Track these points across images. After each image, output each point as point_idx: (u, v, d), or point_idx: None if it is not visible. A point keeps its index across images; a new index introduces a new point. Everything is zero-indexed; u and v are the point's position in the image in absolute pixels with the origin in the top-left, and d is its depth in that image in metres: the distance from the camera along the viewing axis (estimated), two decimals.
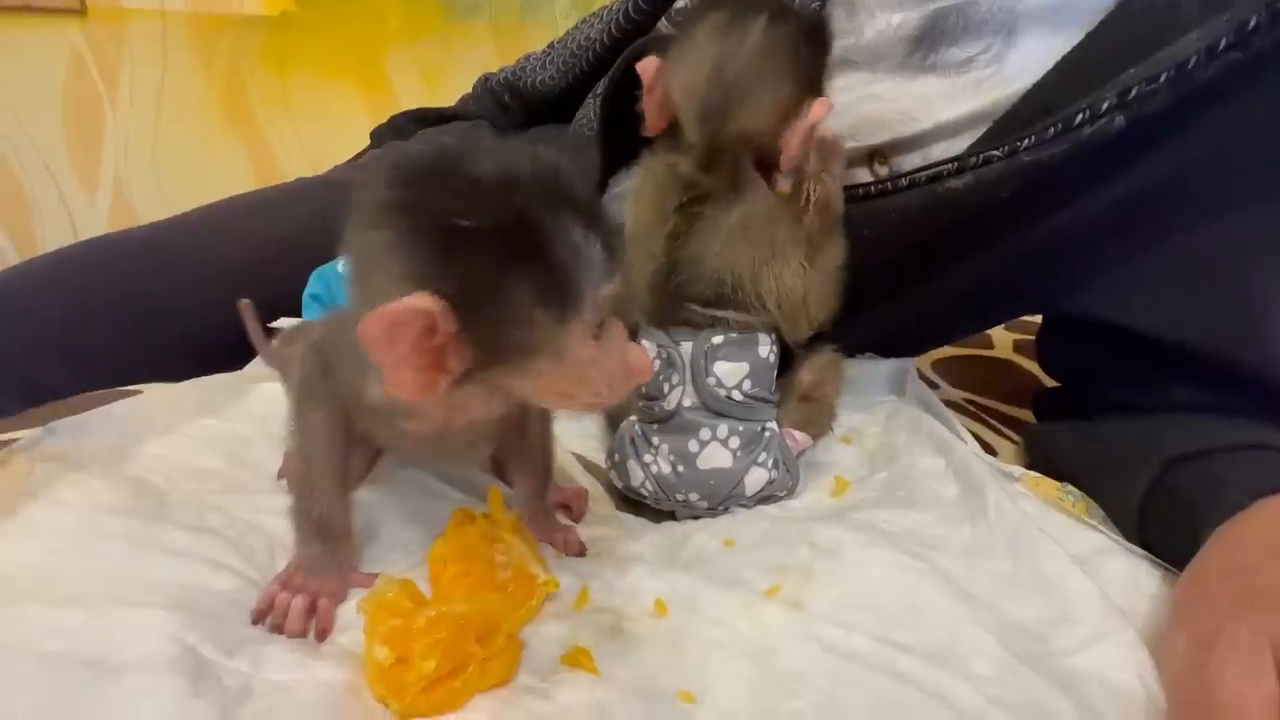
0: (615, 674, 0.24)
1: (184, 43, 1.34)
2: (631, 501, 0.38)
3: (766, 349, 0.36)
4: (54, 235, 1.42)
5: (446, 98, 1.46)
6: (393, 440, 0.29)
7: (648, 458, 0.35)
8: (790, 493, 0.37)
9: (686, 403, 0.35)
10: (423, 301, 0.19)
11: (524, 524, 0.30)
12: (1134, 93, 0.32)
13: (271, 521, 0.30)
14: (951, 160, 0.36)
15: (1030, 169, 0.35)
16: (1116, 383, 0.40)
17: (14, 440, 0.32)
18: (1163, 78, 0.32)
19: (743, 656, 0.25)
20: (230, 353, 0.50)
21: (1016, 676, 0.24)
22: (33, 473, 0.26)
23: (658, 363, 0.36)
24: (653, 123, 0.34)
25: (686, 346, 0.35)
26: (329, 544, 0.27)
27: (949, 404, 0.49)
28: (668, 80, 0.33)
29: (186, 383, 0.41)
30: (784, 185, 0.35)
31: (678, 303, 0.36)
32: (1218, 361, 0.34)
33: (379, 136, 0.74)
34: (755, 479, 0.35)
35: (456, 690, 0.21)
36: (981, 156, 0.36)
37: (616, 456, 0.37)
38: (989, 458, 0.38)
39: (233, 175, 1.42)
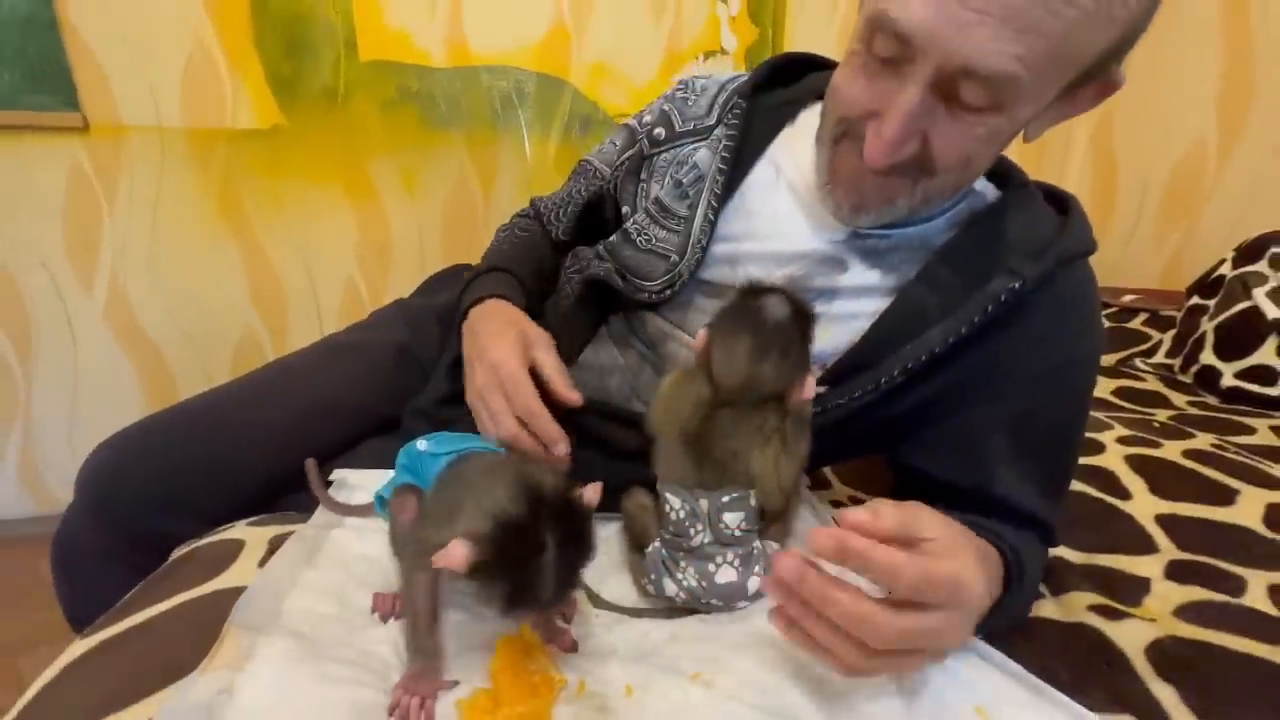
0: None
1: (181, 152, 1.46)
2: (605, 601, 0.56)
3: (756, 500, 0.53)
4: (49, 329, 1.51)
5: (425, 199, 1.63)
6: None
7: (679, 576, 0.52)
8: None
9: (705, 540, 0.51)
10: (465, 552, 0.37)
11: (538, 634, 0.48)
12: (910, 365, 0.55)
13: (379, 648, 0.46)
14: (816, 405, 0.57)
15: (861, 405, 0.57)
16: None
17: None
18: (924, 356, 0.55)
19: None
20: (286, 490, 0.67)
21: None
22: (242, 641, 0.43)
23: (682, 513, 0.52)
24: (698, 363, 0.52)
25: (703, 503, 0.51)
26: (428, 661, 0.44)
27: (835, 503, 0.70)
28: (712, 349, 0.50)
29: (285, 548, 0.55)
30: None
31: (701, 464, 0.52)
32: (973, 493, 0.57)
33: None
34: (754, 583, 0.52)
35: None
36: (834, 404, 0.58)
37: (653, 575, 0.54)
38: None
39: (227, 271, 1.54)
